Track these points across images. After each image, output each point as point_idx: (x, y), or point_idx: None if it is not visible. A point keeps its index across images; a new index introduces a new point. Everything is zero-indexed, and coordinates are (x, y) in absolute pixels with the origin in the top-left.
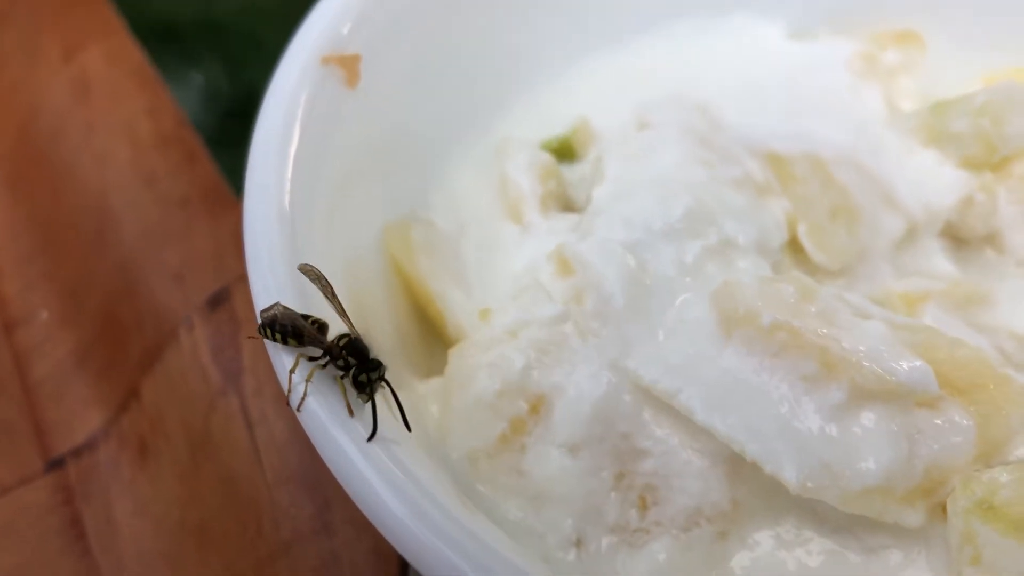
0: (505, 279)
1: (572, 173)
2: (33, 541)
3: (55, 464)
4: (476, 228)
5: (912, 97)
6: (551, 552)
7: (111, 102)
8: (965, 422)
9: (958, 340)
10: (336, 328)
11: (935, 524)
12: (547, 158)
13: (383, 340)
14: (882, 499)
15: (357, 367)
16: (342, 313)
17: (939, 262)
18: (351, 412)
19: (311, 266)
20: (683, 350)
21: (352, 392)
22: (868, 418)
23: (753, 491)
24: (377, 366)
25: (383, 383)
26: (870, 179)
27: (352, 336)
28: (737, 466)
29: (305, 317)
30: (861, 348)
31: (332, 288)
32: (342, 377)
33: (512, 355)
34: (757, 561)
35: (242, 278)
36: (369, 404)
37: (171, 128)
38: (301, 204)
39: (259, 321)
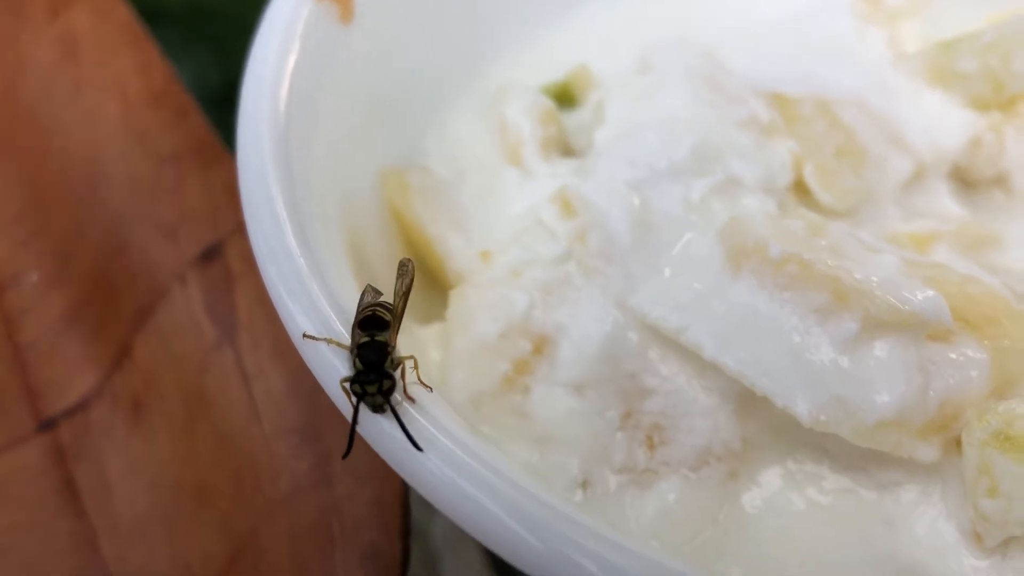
0: (505, 223)
1: (572, 120)
2: (26, 502)
3: (47, 425)
4: (475, 174)
5: (917, 40)
6: (558, 494)
7: (99, 59)
8: (980, 356)
9: (971, 276)
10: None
11: (950, 459)
12: (547, 102)
13: (384, 283)
14: (896, 433)
15: (358, 373)
16: (396, 315)
17: (947, 204)
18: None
19: (409, 260)
20: (690, 286)
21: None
22: (881, 350)
23: (763, 429)
24: (380, 378)
25: (386, 404)
26: (876, 120)
27: (375, 338)
28: (747, 403)
29: (371, 305)
30: (874, 279)
31: (409, 288)
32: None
33: (515, 295)
34: (768, 500)
35: (236, 232)
36: (400, 421)
37: (161, 84)
38: (296, 147)
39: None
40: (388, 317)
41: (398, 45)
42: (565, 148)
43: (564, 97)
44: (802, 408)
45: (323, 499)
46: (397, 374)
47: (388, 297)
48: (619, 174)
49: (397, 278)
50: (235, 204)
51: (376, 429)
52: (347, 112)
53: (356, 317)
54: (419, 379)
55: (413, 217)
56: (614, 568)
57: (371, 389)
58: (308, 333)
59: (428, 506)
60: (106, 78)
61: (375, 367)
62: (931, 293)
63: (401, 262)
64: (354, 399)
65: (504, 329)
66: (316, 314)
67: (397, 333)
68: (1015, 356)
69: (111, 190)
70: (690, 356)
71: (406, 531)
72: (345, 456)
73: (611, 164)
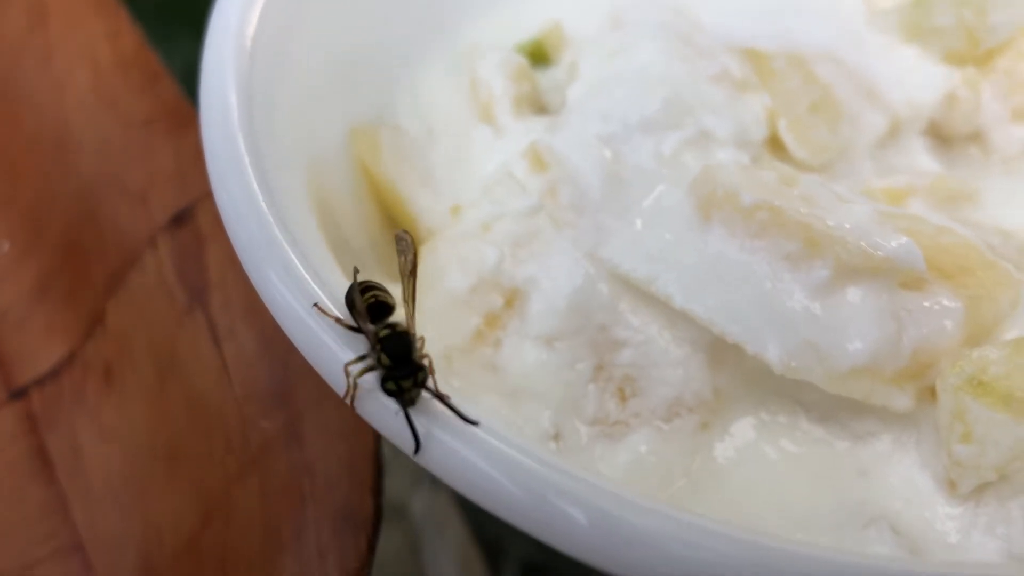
0: (477, 180)
1: (546, 78)
2: None
3: (18, 394)
4: (446, 133)
5: None
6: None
7: (68, 27)
8: (953, 304)
9: (945, 227)
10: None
11: (924, 408)
12: (520, 59)
13: (354, 246)
14: (869, 380)
15: (388, 370)
16: (408, 299)
17: (923, 160)
18: (351, 400)
19: (406, 232)
20: (661, 237)
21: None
22: (854, 296)
23: (735, 380)
24: (414, 371)
25: (424, 390)
26: (851, 75)
27: (396, 328)
28: (718, 353)
29: (369, 290)
30: (846, 225)
31: (415, 266)
32: (368, 368)
33: (485, 249)
34: (741, 450)
35: (206, 195)
36: (406, 413)
37: (131, 50)
38: (262, 106)
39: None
40: (391, 300)
41: (368, 2)
42: (539, 106)
43: (538, 55)
44: (773, 354)
45: (294, 458)
46: (426, 361)
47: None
48: (591, 128)
49: (399, 254)
50: (205, 168)
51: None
52: (315, 71)
53: (356, 304)
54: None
55: (384, 176)
56: (597, 511)
57: (407, 384)
58: (319, 305)
59: (409, 484)
60: (75, 45)
61: (405, 360)
62: (904, 240)
63: (398, 236)
64: (392, 400)
65: (474, 283)
66: (290, 278)
67: (413, 317)
68: (988, 305)
69: (81, 157)
70: (661, 307)
71: (378, 489)
72: (416, 451)
73: (583, 119)
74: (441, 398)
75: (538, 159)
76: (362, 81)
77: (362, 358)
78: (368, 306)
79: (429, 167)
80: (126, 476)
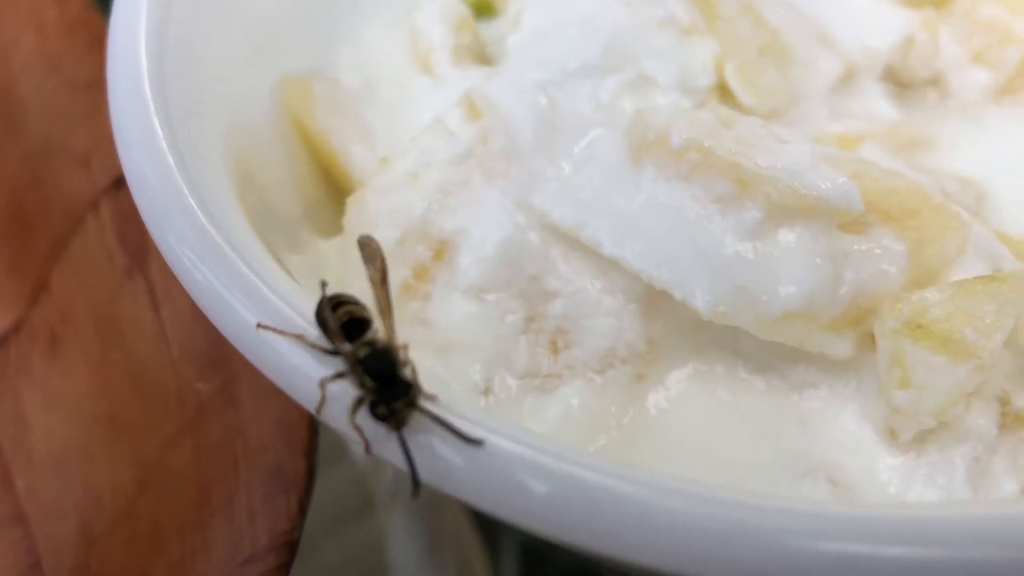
0: (413, 131)
1: (490, 30)
2: None
3: None
4: (385, 85)
5: None
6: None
7: None
8: (896, 247)
9: (894, 171)
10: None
11: (866, 357)
12: (461, 9)
13: (285, 206)
14: (804, 325)
15: (376, 392)
16: (384, 310)
17: (880, 106)
18: (367, 448)
19: (370, 238)
20: (592, 183)
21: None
22: (787, 239)
23: (670, 330)
24: (403, 391)
25: (416, 410)
26: (804, 20)
27: (376, 346)
28: (652, 304)
29: (340, 305)
30: (779, 166)
31: (385, 273)
32: (358, 401)
33: (413, 199)
34: (675, 402)
35: None
36: (402, 440)
37: (78, 13)
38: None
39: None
40: (366, 313)
41: None
42: (482, 57)
43: (483, 6)
44: (701, 299)
45: (228, 421)
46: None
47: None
48: (528, 75)
49: (365, 263)
50: None
51: (287, 363)
52: (244, 22)
53: (328, 322)
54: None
55: (316, 127)
56: (558, 477)
57: (399, 405)
58: (263, 324)
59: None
60: (21, 10)
61: (391, 379)
62: (840, 179)
63: (362, 242)
64: (383, 425)
65: (402, 235)
66: (204, 247)
67: (393, 329)
68: (934, 248)
69: (27, 122)
70: (593, 256)
71: (311, 449)
72: (414, 493)
73: (520, 66)
74: (439, 419)
75: (472, 107)
76: (298, 34)
77: (339, 375)
78: (343, 324)
79: (365, 120)
80: (69, 444)
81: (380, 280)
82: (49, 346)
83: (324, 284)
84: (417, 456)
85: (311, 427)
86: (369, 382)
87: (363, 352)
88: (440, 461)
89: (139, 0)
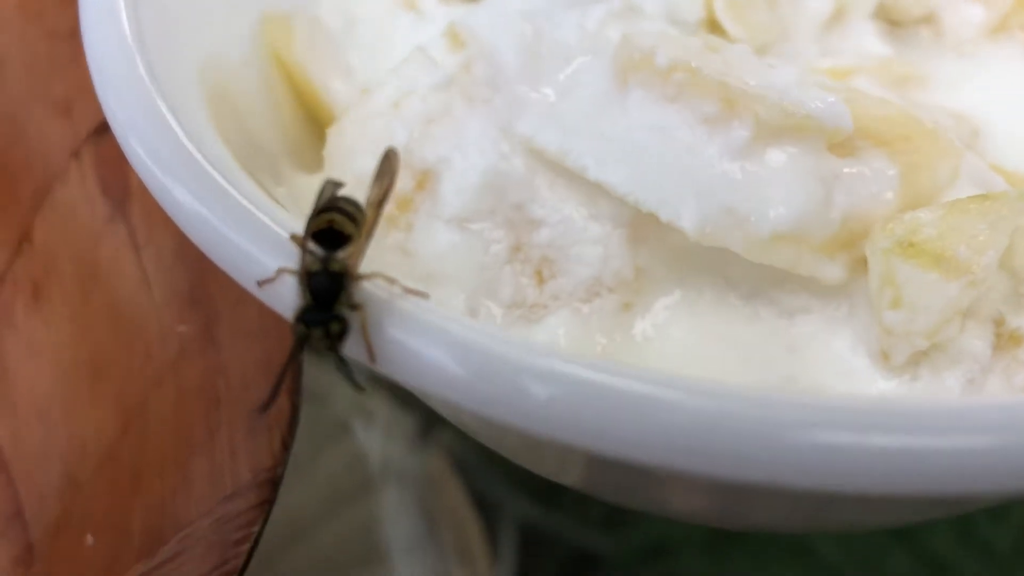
0: (392, 63)
1: None
2: None
3: None
4: (367, 22)
5: None
6: None
7: None
8: (889, 170)
9: (885, 99)
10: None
11: (858, 281)
12: None
13: (266, 142)
14: (795, 247)
15: (303, 310)
16: (365, 233)
17: (872, 43)
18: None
19: (396, 152)
20: (577, 108)
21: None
22: (776, 158)
23: (658, 257)
24: (327, 321)
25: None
26: None
27: (331, 265)
28: (639, 230)
29: (330, 209)
30: (767, 85)
31: (387, 193)
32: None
33: (394, 127)
34: (662, 329)
35: None
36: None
37: None
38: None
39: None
40: (351, 229)
41: None
42: None
43: None
44: (688, 220)
45: (210, 361)
46: (353, 317)
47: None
48: (513, 5)
49: (376, 178)
50: None
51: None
52: None
53: (309, 221)
54: (407, 288)
55: (297, 65)
56: (558, 379)
57: (316, 333)
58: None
59: (404, 447)
60: None
61: (325, 305)
62: (831, 99)
63: (386, 154)
64: (294, 340)
65: None
66: (199, 186)
67: (363, 253)
68: (926, 173)
69: (8, 73)
70: (579, 183)
71: (295, 389)
72: (264, 410)
73: None
74: (341, 363)
75: (455, 38)
76: None
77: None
78: (319, 231)
79: (347, 56)
80: (51, 392)
81: (378, 200)
82: (32, 296)
83: (337, 185)
84: (417, 366)
85: (295, 367)
86: (307, 296)
87: (315, 266)
88: (441, 370)
89: None
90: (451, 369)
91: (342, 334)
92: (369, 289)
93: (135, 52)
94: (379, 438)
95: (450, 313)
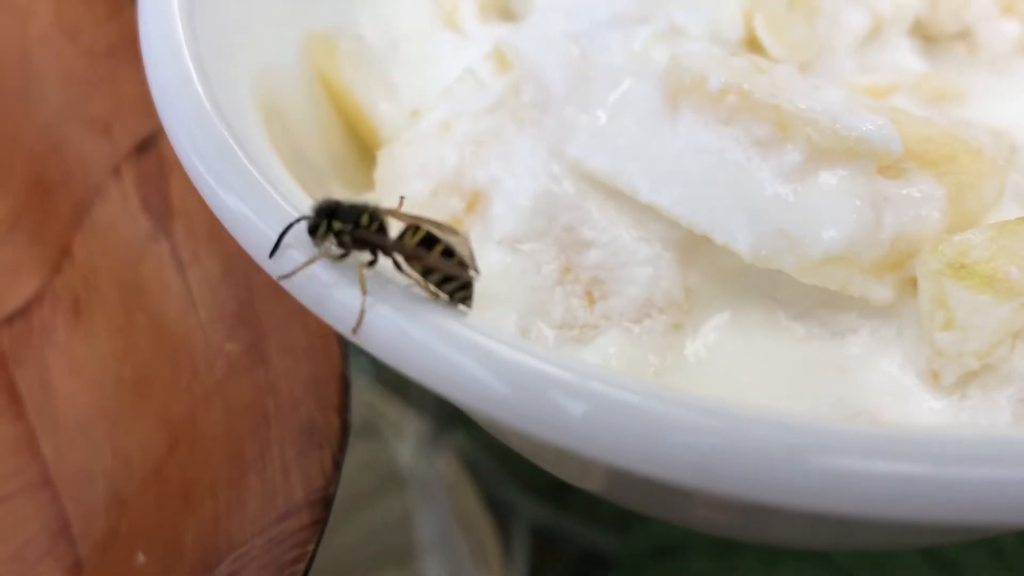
0: (440, 86)
1: None
2: None
3: None
4: (410, 42)
5: None
6: None
7: None
8: (935, 192)
9: (927, 118)
10: None
11: (906, 301)
12: None
13: (314, 157)
14: (846, 269)
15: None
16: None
17: (908, 59)
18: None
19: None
20: (627, 130)
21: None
22: (828, 181)
23: (708, 278)
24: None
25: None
26: None
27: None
28: (689, 251)
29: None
30: (818, 108)
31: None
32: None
33: (444, 150)
34: (713, 350)
35: None
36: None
37: None
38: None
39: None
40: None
41: None
42: (506, 13)
43: None
44: (742, 243)
45: (258, 379)
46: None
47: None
48: (557, 26)
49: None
50: None
51: (333, 299)
52: None
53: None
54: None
55: (342, 83)
56: (592, 397)
57: (337, 226)
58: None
59: (416, 448)
60: None
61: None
62: (880, 121)
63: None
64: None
65: (435, 187)
66: (250, 193)
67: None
68: (972, 193)
69: (46, 90)
70: (629, 204)
71: (344, 406)
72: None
73: (549, 17)
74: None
75: (502, 59)
76: None
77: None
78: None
79: (390, 75)
80: (95, 408)
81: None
82: (73, 312)
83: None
84: (457, 380)
85: (343, 384)
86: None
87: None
88: (478, 384)
89: None
90: (489, 384)
91: (342, 236)
92: (408, 289)
93: (191, 66)
94: (392, 442)
95: (488, 326)
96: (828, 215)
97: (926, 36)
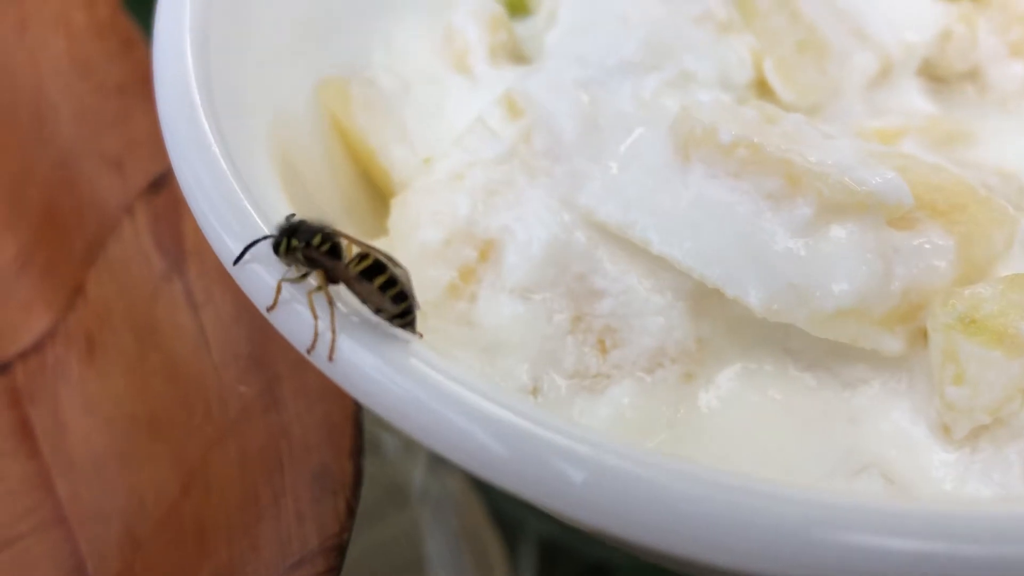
0: (451, 131)
1: (524, 28)
2: None
3: (1, 369)
4: (421, 84)
5: None
6: None
7: None
8: (945, 242)
9: (938, 165)
10: None
11: (916, 352)
12: (495, 7)
13: (325, 202)
14: (857, 322)
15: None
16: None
17: (917, 101)
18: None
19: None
20: (638, 181)
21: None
22: (838, 235)
23: (719, 328)
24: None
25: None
26: (839, 14)
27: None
28: (701, 302)
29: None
30: (829, 161)
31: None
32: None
33: (457, 199)
34: (726, 400)
35: None
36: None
37: (106, 16)
38: (221, 57)
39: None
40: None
41: None
42: (517, 56)
43: (516, 4)
44: (754, 298)
45: (272, 423)
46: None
47: None
48: (567, 73)
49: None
50: None
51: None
52: (282, 24)
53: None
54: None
55: (354, 128)
56: (594, 467)
57: (294, 244)
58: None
59: (423, 465)
60: (50, 13)
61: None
62: (890, 174)
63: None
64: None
65: (448, 235)
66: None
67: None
68: (982, 242)
69: (58, 126)
70: (640, 254)
71: (357, 451)
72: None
73: (560, 63)
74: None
75: (513, 105)
76: (333, 35)
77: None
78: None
79: (402, 119)
80: (108, 447)
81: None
82: (86, 350)
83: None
84: (458, 443)
85: (356, 429)
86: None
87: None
88: (480, 449)
89: (181, 9)
90: (490, 447)
91: (293, 251)
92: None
93: (203, 114)
94: (399, 457)
95: (491, 388)
96: (839, 269)
97: (935, 77)
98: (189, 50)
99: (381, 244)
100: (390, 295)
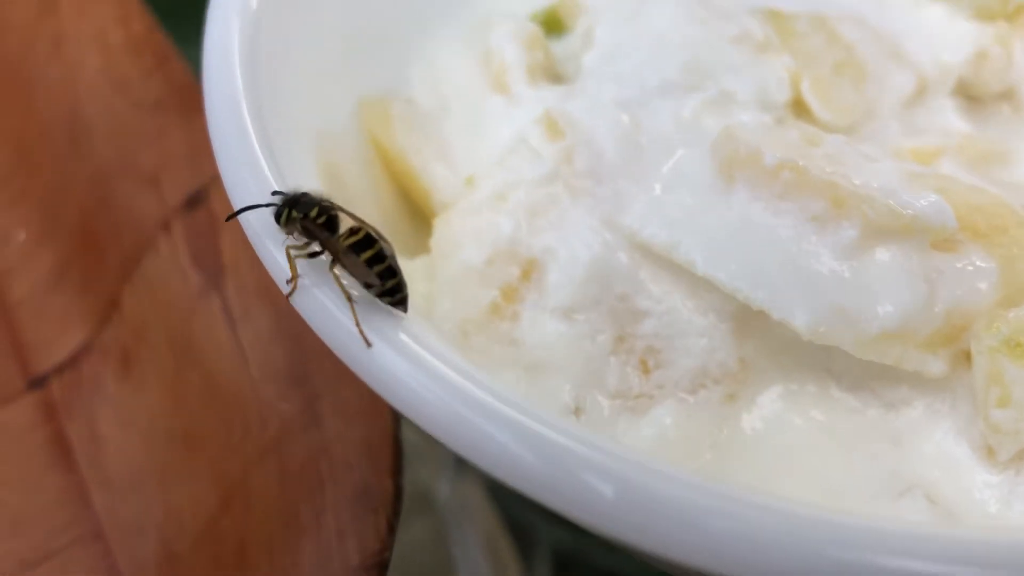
0: (491, 151)
1: (561, 47)
2: (16, 459)
3: (37, 383)
4: (460, 104)
5: None
6: None
7: (79, 12)
8: (987, 264)
9: (977, 186)
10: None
11: (959, 374)
12: (534, 28)
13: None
14: (901, 344)
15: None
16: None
17: (952, 120)
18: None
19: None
20: (682, 202)
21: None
22: (883, 257)
23: (762, 349)
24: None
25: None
26: (876, 35)
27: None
28: (744, 322)
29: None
30: (873, 184)
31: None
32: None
33: (500, 219)
34: (769, 422)
35: (219, 176)
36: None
37: (142, 33)
38: (268, 81)
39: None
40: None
41: None
42: (554, 76)
43: (552, 24)
44: (800, 320)
45: (312, 441)
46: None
47: None
48: (607, 93)
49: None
50: None
51: (374, 362)
52: (324, 45)
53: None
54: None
55: (395, 148)
56: (624, 482)
57: (294, 215)
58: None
59: (436, 472)
60: (86, 30)
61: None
62: (934, 197)
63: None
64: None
65: (490, 255)
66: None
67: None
68: (1023, 264)
69: (94, 142)
70: (683, 275)
71: (397, 469)
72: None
73: (599, 84)
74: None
75: (553, 126)
76: (373, 55)
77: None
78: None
79: (442, 139)
80: (145, 462)
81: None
82: (122, 364)
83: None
84: (487, 448)
85: (396, 448)
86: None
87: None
88: (512, 458)
89: (231, 22)
90: (523, 458)
91: (311, 214)
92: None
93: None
94: (415, 467)
95: (523, 402)
96: (884, 291)
97: (970, 96)
98: (239, 70)
99: (422, 263)
100: (376, 271)
